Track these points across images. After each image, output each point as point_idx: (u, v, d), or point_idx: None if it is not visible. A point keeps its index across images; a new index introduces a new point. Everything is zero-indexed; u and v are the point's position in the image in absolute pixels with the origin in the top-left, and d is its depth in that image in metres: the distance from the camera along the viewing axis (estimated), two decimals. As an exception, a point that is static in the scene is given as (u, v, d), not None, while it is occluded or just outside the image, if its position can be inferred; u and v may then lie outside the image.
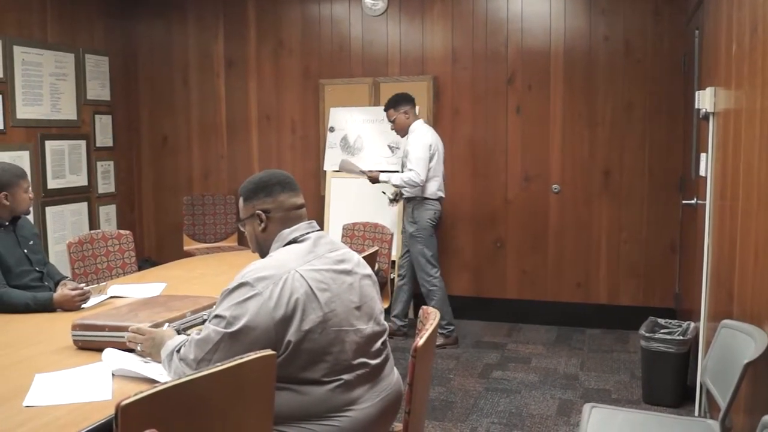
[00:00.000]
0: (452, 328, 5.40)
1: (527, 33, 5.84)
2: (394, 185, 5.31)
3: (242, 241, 6.64)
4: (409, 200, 5.34)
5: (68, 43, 6.25)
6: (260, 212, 2.31)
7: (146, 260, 6.79)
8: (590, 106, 5.73)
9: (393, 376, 2.36)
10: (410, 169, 5.17)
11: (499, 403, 4.29)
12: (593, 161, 5.76)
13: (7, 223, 3.42)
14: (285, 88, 6.59)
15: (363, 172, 5.48)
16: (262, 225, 2.32)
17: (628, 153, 5.68)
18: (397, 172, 5.42)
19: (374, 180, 5.41)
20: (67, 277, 3.63)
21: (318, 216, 6.13)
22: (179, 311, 2.64)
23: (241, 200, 2.39)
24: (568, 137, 5.80)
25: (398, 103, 5.31)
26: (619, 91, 5.66)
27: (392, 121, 5.35)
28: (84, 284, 3.41)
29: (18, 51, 5.69)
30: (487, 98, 5.96)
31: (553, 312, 5.90)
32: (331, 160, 6.18)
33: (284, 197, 2.32)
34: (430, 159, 5.20)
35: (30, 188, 3.50)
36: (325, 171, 6.24)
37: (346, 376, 2.15)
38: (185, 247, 6.60)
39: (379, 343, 2.30)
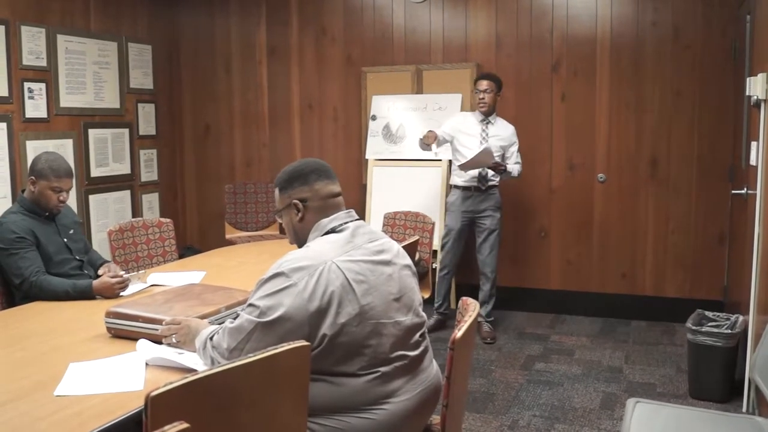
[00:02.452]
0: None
1: (573, 19, 5.71)
2: (513, 176, 5.30)
3: (283, 230, 6.63)
4: (492, 188, 5.27)
5: (111, 32, 6.29)
6: (297, 201, 2.27)
7: (188, 248, 6.84)
8: (637, 94, 5.58)
9: (432, 369, 2.32)
10: (518, 162, 5.27)
11: (541, 396, 4.22)
12: (640, 150, 5.61)
13: (46, 213, 3.43)
14: (327, 76, 6.56)
15: (496, 164, 5.08)
16: (300, 214, 2.27)
17: (676, 141, 5.52)
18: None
19: (504, 171, 5.14)
20: (108, 261, 3.64)
21: (360, 205, 6.10)
22: (214, 306, 2.62)
23: (276, 191, 2.35)
24: (615, 125, 5.66)
25: (500, 87, 5.27)
26: (667, 78, 5.50)
27: (487, 92, 5.16)
28: (124, 272, 3.42)
29: (61, 40, 5.74)
30: (531, 85, 5.85)
31: (598, 303, 5.79)
32: (372, 149, 6.14)
33: (321, 185, 2.28)
34: None
35: (64, 192, 3.40)
36: (367, 159, 6.20)
37: (383, 369, 2.11)
38: (227, 236, 6.63)
39: (417, 335, 2.26)
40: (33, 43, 5.50)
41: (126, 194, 6.49)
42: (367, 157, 6.20)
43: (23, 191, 3.48)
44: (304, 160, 2.37)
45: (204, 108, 7.06)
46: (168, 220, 4.52)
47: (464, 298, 2.41)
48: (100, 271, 3.44)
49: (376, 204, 6.01)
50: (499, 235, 5.30)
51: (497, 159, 5.09)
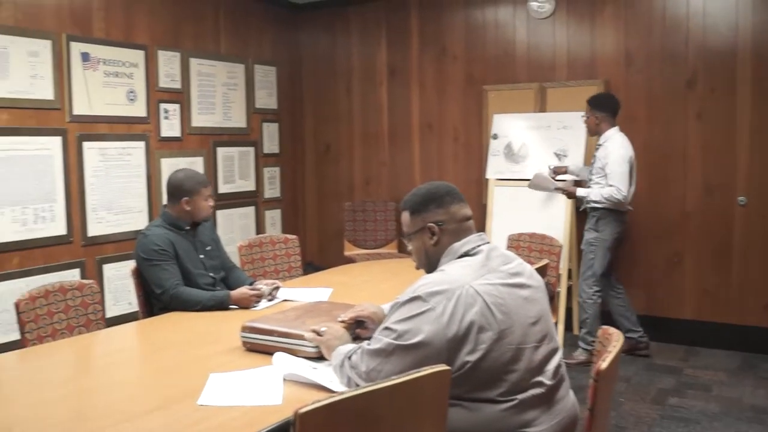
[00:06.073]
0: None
1: (710, 30, 5.40)
2: (592, 201, 4.99)
3: (402, 248, 6.59)
4: (595, 209, 5.06)
5: (239, 55, 6.50)
6: (432, 225, 2.23)
7: (309, 264, 6.91)
8: (783, 110, 5.22)
9: (569, 399, 2.20)
10: (610, 185, 4.90)
11: (677, 432, 3.96)
12: (785, 171, 5.23)
13: (188, 228, 3.54)
14: (447, 95, 6.50)
15: (558, 189, 5.23)
16: (435, 238, 2.23)
17: (826, 162, 5.13)
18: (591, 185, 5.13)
19: (571, 195, 5.20)
20: (254, 280, 3.69)
21: (480, 225, 5.96)
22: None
23: (406, 214, 2.31)
24: (758, 145, 5.28)
25: (595, 106, 5.10)
26: (817, 93, 5.12)
27: (585, 117, 5.20)
28: (263, 284, 3.45)
29: (194, 63, 5.99)
30: (664, 103, 5.57)
31: (737, 336, 5.40)
32: (494, 168, 6.02)
33: (456, 208, 2.25)
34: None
35: (211, 197, 3.59)
36: (487, 179, 6.08)
37: (520, 396, 2.02)
38: (346, 253, 6.65)
39: (555, 362, 2.14)
40: (169, 66, 5.76)
41: (251, 210, 6.65)
42: (487, 176, 6.08)
43: (165, 206, 3.60)
44: (435, 183, 2.33)
45: (325, 127, 7.16)
46: (294, 236, 4.59)
47: (604, 327, 2.27)
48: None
49: (497, 225, 5.87)
50: (591, 253, 5.07)
51: (558, 186, 5.23)
